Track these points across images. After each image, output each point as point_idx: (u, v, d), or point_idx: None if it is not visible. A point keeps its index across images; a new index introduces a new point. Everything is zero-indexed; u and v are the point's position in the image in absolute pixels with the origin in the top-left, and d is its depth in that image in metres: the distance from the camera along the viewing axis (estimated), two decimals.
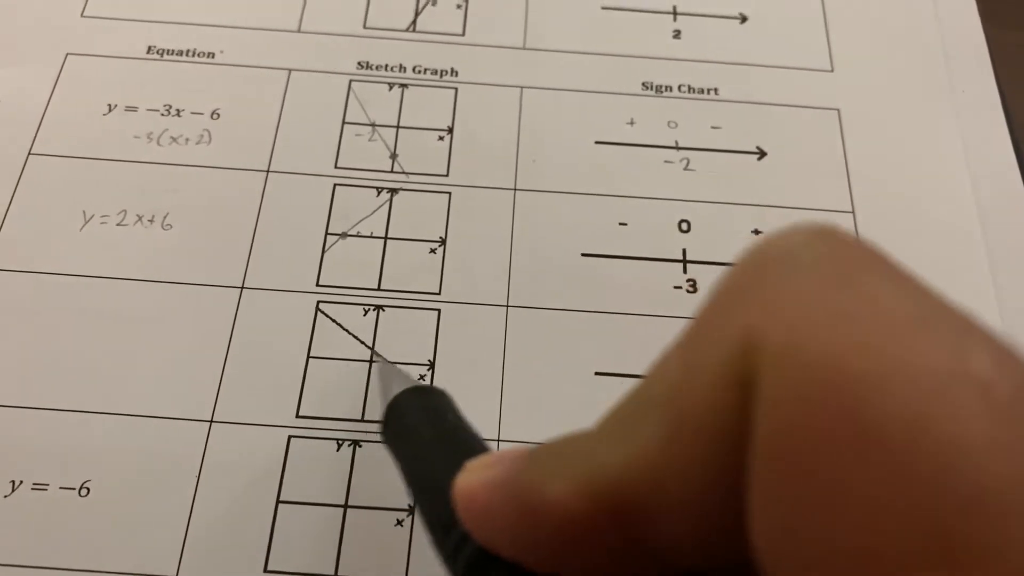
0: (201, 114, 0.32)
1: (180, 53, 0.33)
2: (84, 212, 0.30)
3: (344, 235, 0.30)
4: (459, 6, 0.35)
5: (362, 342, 0.28)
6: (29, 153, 0.31)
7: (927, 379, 0.10)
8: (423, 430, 0.20)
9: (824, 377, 0.11)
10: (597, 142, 0.32)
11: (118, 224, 0.30)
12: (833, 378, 0.11)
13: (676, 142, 0.32)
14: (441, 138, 0.32)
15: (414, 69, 0.33)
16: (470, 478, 0.15)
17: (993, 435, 0.10)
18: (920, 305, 0.11)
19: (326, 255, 0.29)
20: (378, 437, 0.23)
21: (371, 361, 0.28)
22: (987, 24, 0.35)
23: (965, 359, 0.10)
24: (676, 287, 0.29)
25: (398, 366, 0.27)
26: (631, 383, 0.27)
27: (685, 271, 0.30)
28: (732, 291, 0.12)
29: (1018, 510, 0.10)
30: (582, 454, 0.14)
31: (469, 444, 0.19)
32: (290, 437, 0.26)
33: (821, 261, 0.12)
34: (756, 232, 0.30)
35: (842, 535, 0.10)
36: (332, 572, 0.25)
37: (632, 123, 0.33)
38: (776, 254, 0.12)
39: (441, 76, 0.33)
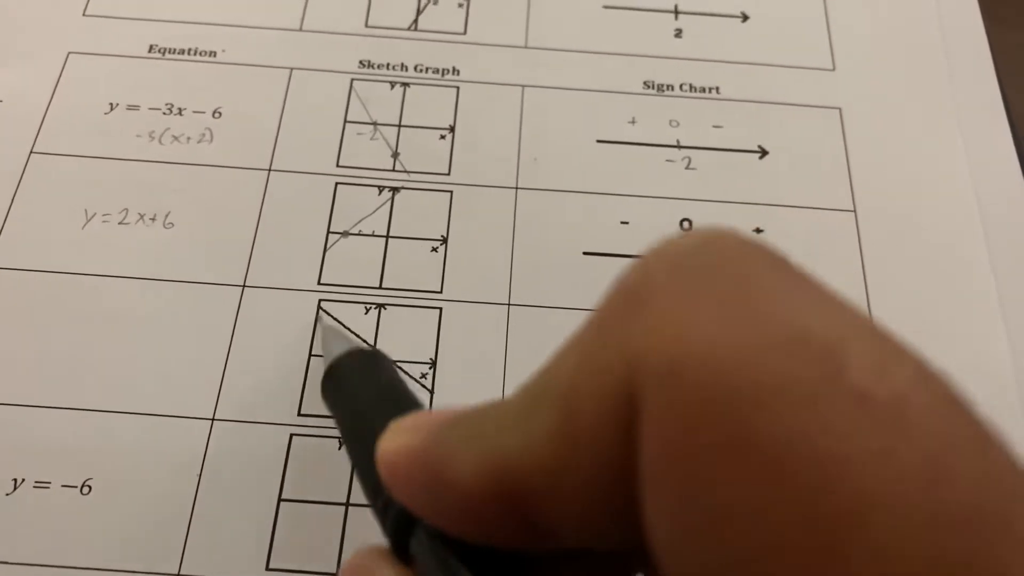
0: (203, 113, 0.32)
1: (182, 52, 0.33)
2: (86, 211, 0.30)
3: (346, 234, 0.30)
4: (460, 5, 0.35)
5: (364, 340, 0.28)
6: (31, 152, 0.31)
7: (801, 393, 0.10)
8: (360, 392, 0.21)
9: (702, 397, 0.11)
10: (599, 141, 0.32)
11: (120, 223, 0.30)
12: (711, 397, 0.11)
13: (678, 141, 0.32)
14: (443, 137, 0.32)
15: (416, 68, 0.33)
16: (392, 443, 0.15)
17: (868, 445, 0.10)
18: (802, 313, 0.11)
19: (328, 254, 0.29)
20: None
21: (316, 321, 0.28)
22: (988, 24, 0.35)
23: (840, 369, 0.10)
24: None
25: (341, 327, 0.27)
26: None
27: None
28: (620, 303, 0.13)
29: (894, 518, 0.10)
30: (486, 434, 0.14)
31: (402, 406, 0.20)
32: (292, 435, 0.26)
33: (704, 272, 0.12)
34: (758, 231, 0.30)
35: (729, 547, 0.10)
36: (334, 570, 0.25)
37: (633, 122, 0.33)
38: (661, 265, 0.12)
39: (443, 75, 0.33)
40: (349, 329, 0.28)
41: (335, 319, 0.28)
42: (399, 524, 0.16)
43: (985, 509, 0.10)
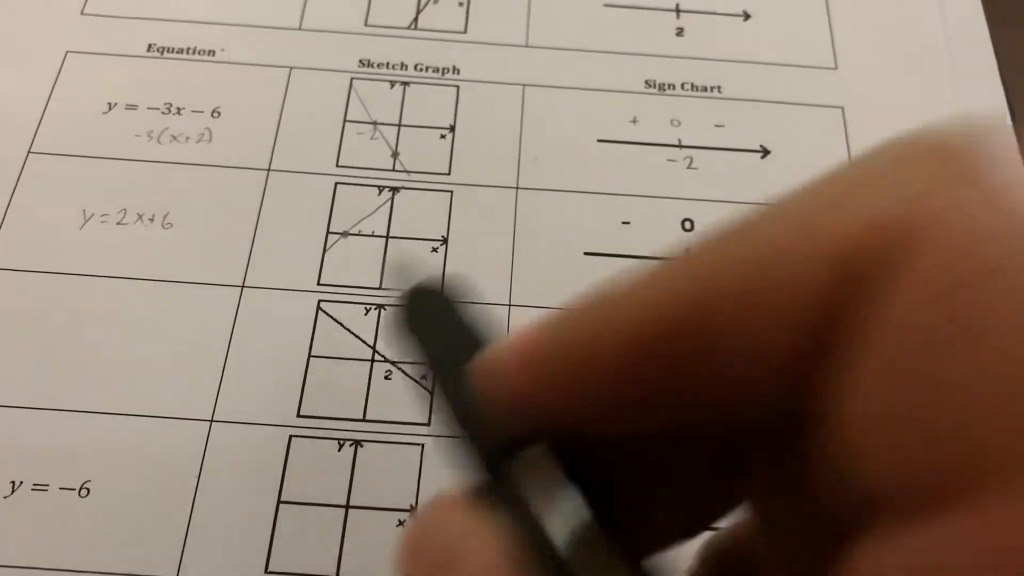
0: (202, 112, 0.32)
1: (180, 51, 0.33)
2: (84, 211, 0.30)
3: (345, 234, 0.30)
4: (461, 3, 0.35)
5: (364, 341, 0.28)
6: (29, 152, 0.31)
7: None
8: (446, 319, 0.19)
9: (980, 269, 0.10)
10: (600, 140, 0.32)
11: (118, 223, 0.30)
12: (988, 270, 0.10)
13: (679, 140, 0.32)
14: (443, 136, 0.32)
15: (416, 67, 0.33)
16: (503, 347, 0.14)
17: None
18: None
19: (327, 254, 0.29)
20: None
21: (378, 360, 0.27)
22: (992, 22, 0.35)
23: None
24: None
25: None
26: None
27: None
28: (865, 177, 0.12)
29: None
30: (631, 293, 0.13)
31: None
32: (291, 437, 0.26)
33: (934, 162, 0.12)
34: None
35: (949, 430, 0.10)
36: (334, 573, 0.25)
37: (635, 121, 0.32)
38: (918, 147, 0.12)
39: (443, 74, 0.33)
40: (349, 330, 0.28)
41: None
42: (500, 448, 0.15)
43: None
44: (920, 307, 0.10)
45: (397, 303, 0.20)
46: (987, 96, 0.34)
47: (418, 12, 0.35)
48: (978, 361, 0.10)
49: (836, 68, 0.34)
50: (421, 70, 0.33)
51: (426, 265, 0.28)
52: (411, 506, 0.25)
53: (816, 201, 0.12)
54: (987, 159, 0.12)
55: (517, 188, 0.31)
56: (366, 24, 0.34)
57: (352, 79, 0.33)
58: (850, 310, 0.11)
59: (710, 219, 0.30)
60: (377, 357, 0.28)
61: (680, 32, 0.35)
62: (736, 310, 0.12)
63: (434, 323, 0.19)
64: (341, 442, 0.26)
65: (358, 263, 0.29)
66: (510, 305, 0.29)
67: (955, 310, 0.10)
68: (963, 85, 0.34)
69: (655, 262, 0.13)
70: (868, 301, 0.11)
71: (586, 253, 0.30)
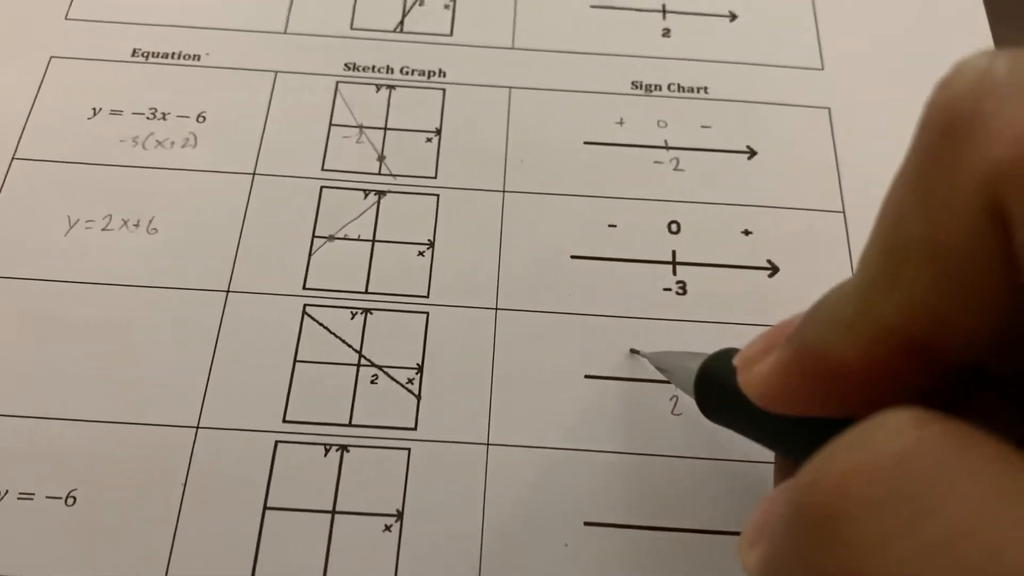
0: (187, 117, 0.32)
1: (165, 56, 0.33)
2: (69, 217, 0.30)
3: (331, 238, 0.30)
4: (447, 6, 0.35)
5: (349, 346, 0.28)
6: (13, 158, 0.31)
7: None
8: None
9: None
10: (586, 142, 0.32)
11: (103, 229, 0.30)
12: None
13: (666, 142, 0.32)
14: (429, 140, 0.32)
15: (401, 70, 0.33)
16: (752, 375, 0.17)
17: None
18: None
19: (313, 258, 0.29)
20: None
21: (364, 364, 0.27)
22: (995, 24, 0.35)
23: None
24: (666, 289, 0.29)
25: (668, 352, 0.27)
26: (621, 386, 0.27)
27: (675, 273, 0.29)
28: (957, 123, 0.13)
29: None
30: (854, 314, 0.14)
31: None
32: (277, 442, 0.26)
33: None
34: (746, 232, 0.30)
35: None
36: None
37: (621, 123, 0.32)
38: (974, 82, 0.13)
39: (429, 77, 0.33)
40: (335, 335, 0.28)
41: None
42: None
43: None
44: None
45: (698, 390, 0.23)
46: None
47: (404, 15, 0.35)
48: None
49: (823, 69, 0.34)
50: (407, 73, 0.33)
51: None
52: (397, 511, 0.25)
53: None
54: None
55: (504, 191, 0.31)
56: (352, 27, 0.34)
57: (338, 83, 0.33)
58: None
59: (697, 221, 0.30)
60: (363, 361, 0.28)
61: (666, 33, 0.35)
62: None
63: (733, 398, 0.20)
64: (327, 447, 0.26)
65: (344, 267, 0.29)
66: (496, 309, 0.29)
67: None
68: None
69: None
70: None
71: (572, 256, 0.30)
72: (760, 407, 0.17)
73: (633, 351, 0.28)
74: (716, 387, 0.22)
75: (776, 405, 0.17)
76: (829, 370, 0.15)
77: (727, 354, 0.22)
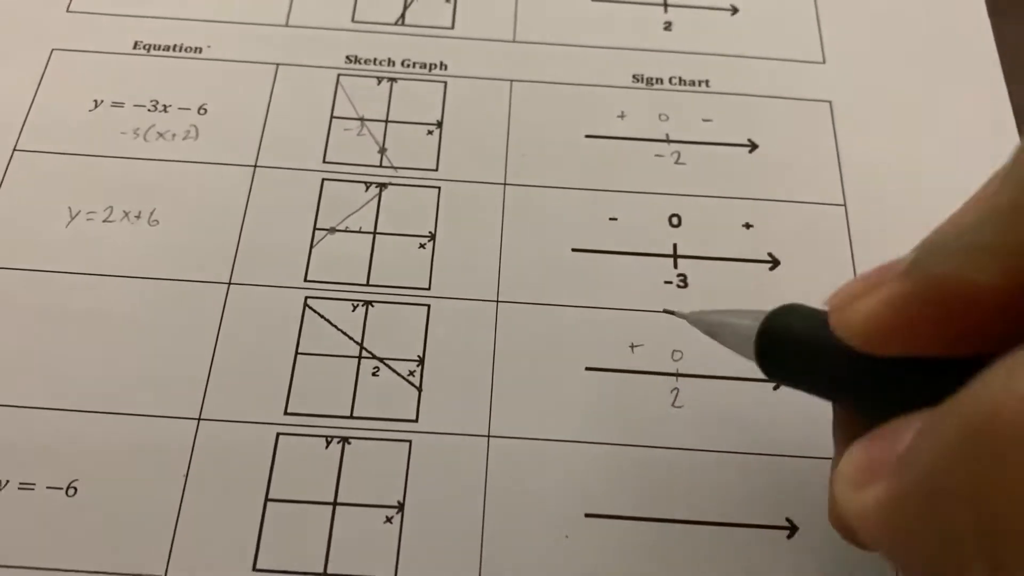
0: (188, 109, 0.32)
1: (167, 48, 0.33)
2: (70, 208, 0.30)
3: (332, 230, 0.30)
4: None
5: (351, 338, 0.28)
6: (14, 149, 0.31)
7: None
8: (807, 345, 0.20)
9: None
10: (587, 136, 0.32)
11: (104, 220, 0.30)
12: None
13: (667, 135, 0.32)
14: (430, 132, 0.32)
15: (403, 63, 0.33)
16: (854, 313, 0.16)
17: None
18: None
19: (314, 250, 0.29)
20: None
21: (365, 356, 0.27)
22: (995, 18, 0.35)
23: None
24: (667, 282, 0.29)
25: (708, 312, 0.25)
26: (622, 379, 0.27)
27: (676, 266, 0.29)
28: None
29: None
30: (994, 236, 0.14)
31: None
32: (278, 434, 0.26)
33: None
34: (748, 225, 0.30)
35: None
36: (321, 570, 0.25)
37: (623, 116, 0.32)
38: None
39: (430, 70, 0.33)
40: (336, 327, 0.28)
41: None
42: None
43: None
44: None
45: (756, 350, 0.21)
46: (986, 92, 0.33)
47: (405, 8, 0.35)
48: None
49: (824, 62, 0.34)
50: (408, 66, 0.33)
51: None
52: (398, 503, 0.25)
53: None
54: None
55: (505, 184, 0.31)
56: (353, 20, 0.34)
57: (339, 75, 0.33)
58: None
59: (698, 214, 0.30)
60: (364, 354, 0.28)
61: (668, 26, 0.35)
62: None
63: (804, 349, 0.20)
64: (328, 439, 0.26)
65: (345, 260, 0.29)
66: (498, 301, 0.29)
67: None
68: (958, 81, 0.34)
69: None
70: None
71: (574, 249, 0.30)
72: (859, 348, 0.16)
73: (668, 311, 0.27)
74: (785, 340, 0.21)
75: (886, 344, 0.16)
76: (965, 299, 0.14)
77: (793, 309, 0.21)
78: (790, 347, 0.21)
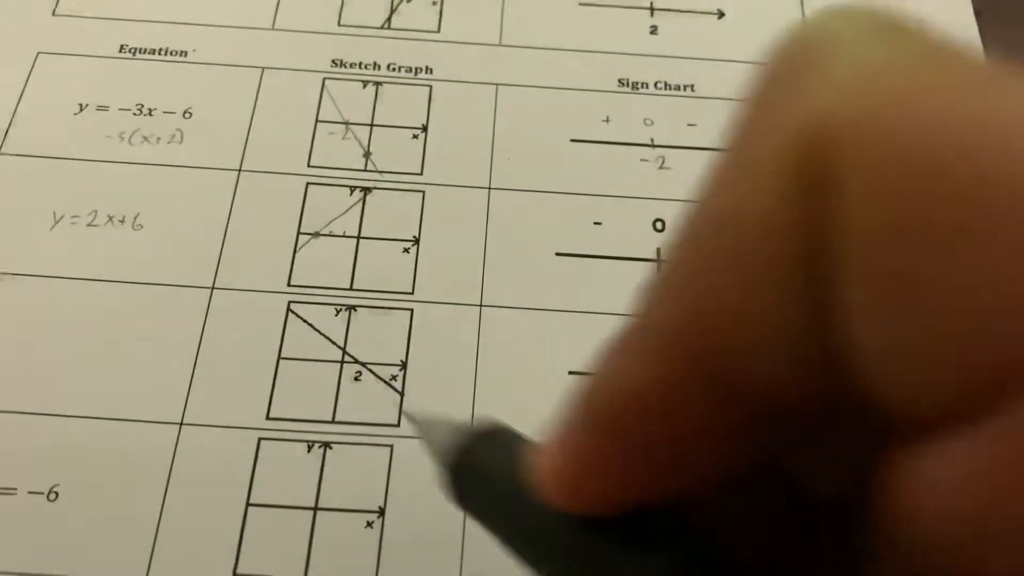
0: (173, 113, 0.32)
1: (152, 52, 0.33)
2: (54, 212, 0.30)
3: (316, 235, 0.30)
4: (434, 3, 0.35)
5: (334, 343, 0.28)
6: None
7: None
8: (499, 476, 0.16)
9: (927, 146, 0.09)
10: (572, 140, 0.32)
11: (88, 224, 0.30)
12: (939, 144, 0.09)
13: (652, 140, 0.32)
14: (415, 136, 0.32)
15: (388, 67, 0.33)
16: (540, 464, 0.13)
17: None
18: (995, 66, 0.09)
19: (298, 255, 0.29)
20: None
21: (347, 360, 0.27)
22: (987, 21, 0.35)
23: None
24: None
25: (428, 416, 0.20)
26: None
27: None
28: (774, 84, 0.10)
29: None
30: (635, 343, 0.12)
31: None
32: (260, 439, 0.26)
33: (872, 32, 0.10)
34: None
35: (964, 335, 0.08)
36: (302, 575, 0.25)
37: (608, 120, 0.32)
38: (817, 36, 0.10)
39: (416, 74, 0.33)
40: (319, 332, 0.28)
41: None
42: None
43: None
44: (875, 231, 0.09)
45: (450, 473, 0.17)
46: None
47: (391, 12, 0.35)
48: (959, 269, 0.09)
49: None
50: (394, 70, 0.33)
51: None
52: (379, 508, 0.25)
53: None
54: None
55: (489, 188, 0.31)
56: (339, 24, 0.34)
57: (324, 79, 0.33)
58: (820, 267, 0.10)
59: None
60: (347, 358, 0.28)
61: (654, 30, 0.35)
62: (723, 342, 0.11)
63: (496, 477, 0.16)
64: (310, 444, 0.26)
65: (329, 264, 0.29)
66: (481, 305, 0.29)
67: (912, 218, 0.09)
68: None
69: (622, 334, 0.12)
70: (829, 252, 0.09)
71: (558, 254, 0.30)
72: (560, 509, 0.13)
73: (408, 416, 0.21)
74: (480, 478, 0.16)
75: (574, 499, 0.12)
76: (618, 412, 0.12)
77: (500, 435, 0.16)
78: (484, 486, 0.16)
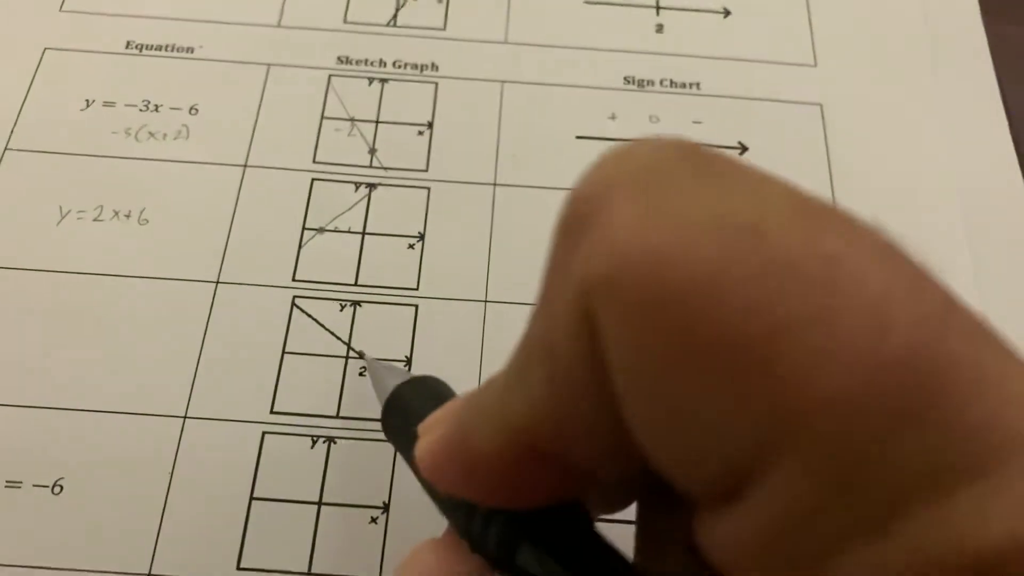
0: (179, 109, 0.32)
1: (159, 48, 0.33)
2: (60, 207, 0.30)
3: (321, 230, 0.30)
4: (440, 0, 0.35)
5: (338, 338, 0.28)
6: (6, 148, 0.31)
7: (731, 273, 0.11)
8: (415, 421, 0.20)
9: (642, 300, 0.11)
10: (578, 137, 0.32)
11: (95, 219, 0.30)
12: (649, 299, 0.11)
13: (657, 137, 0.32)
14: (421, 133, 0.32)
15: (394, 64, 0.33)
16: (424, 443, 0.16)
17: (804, 311, 0.10)
18: (722, 201, 0.11)
19: (303, 250, 0.29)
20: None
21: (352, 356, 0.27)
22: (988, 18, 0.35)
23: (763, 245, 0.11)
24: None
25: (385, 362, 0.27)
26: None
27: None
28: (559, 239, 0.13)
29: (842, 376, 0.10)
30: (495, 406, 0.14)
31: None
32: (264, 433, 0.26)
33: (625, 186, 0.12)
34: None
35: (697, 437, 0.11)
36: (305, 570, 0.25)
37: (613, 118, 0.32)
38: (591, 188, 0.13)
39: (421, 71, 0.33)
40: (324, 327, 0.28)
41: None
42: (504, 539, 0.16)
43: (929, 347, 0.10)
44: (623, 347, 0.12)
45: (381, 409, 0.22)
46: (979, 94, 0.33)
47: (397, 8, 0.35)
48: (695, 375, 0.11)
49: (815, 65, 0.34)
50: (400, 67, 0.33)
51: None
52: (384, 503, 0.25)
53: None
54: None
55: (495, 185, 0.31)
56: (345, 21, 0.34)
57: (330, 76, 0.33)
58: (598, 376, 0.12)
59: None
60: (351, 354, 0.28)
61: (659, 29, 0.35)
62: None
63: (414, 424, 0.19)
64: (314, 439, 0.26)
65: (334, 260, 0.29)
66: (486, 302, 0.29)
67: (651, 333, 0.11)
68: (951, 83, 0.34)
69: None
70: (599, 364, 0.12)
71: None
72: (425, 477, 0.16)
73: (360, 355, 0.28)
74: (399, 415, 0.21)
75: (433, 475, 0.16)
76: (470, 458, 0.15)
77: (430, 385, 0.22)
78: (401, 427, 0.21)
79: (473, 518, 0.16)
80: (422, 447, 0.16)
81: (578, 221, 0.12)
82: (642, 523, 0.17)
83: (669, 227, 0.11)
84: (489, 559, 0.16)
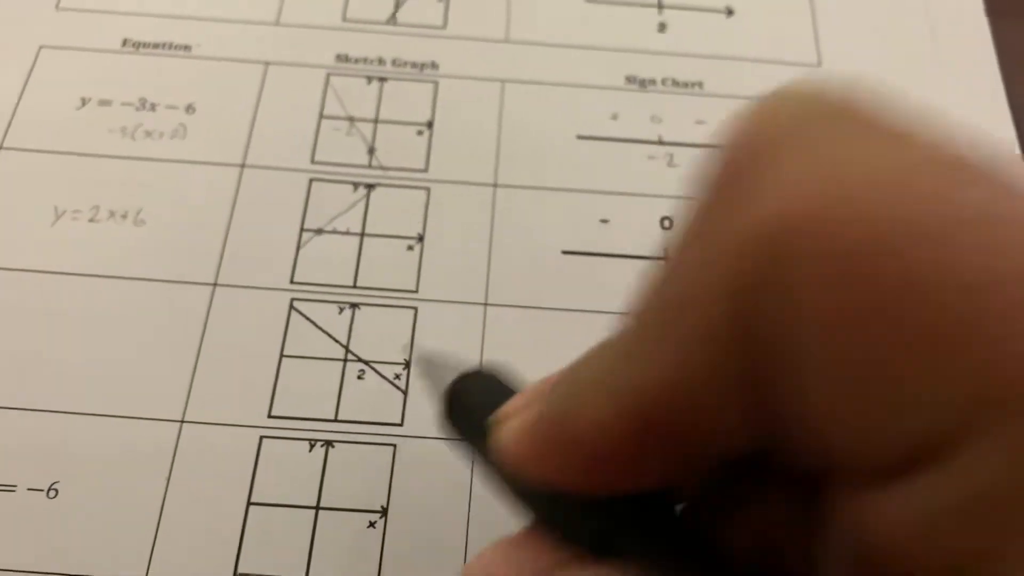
0: (176, 108, 0.31)
1: (155, 46, 0.33)
2: (56, 207, 0.29)
3: (320, 231, 0.29)
4: None
5: (337, 340, 0.27)
6: (1, 147, 0.30)
7: (975, 218, 0.10)
8: (484, 413, 0.18)
9: (868, 242, 0.10)
10: (579, 137, 0.32)
11: (90, 220, 0.29)
12: (877, 241, 0.10)
13: (660, 137, 0.32)
14: (420, 132, 0.31)
15: (393, 62, 0.33)
16: (506, 431, 0.15)
17: None
18: (938, 142, 0.11)
19: (301, 252, 0.29)
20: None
21: (351, 359, 0.27)
22: (996, 16, 0.35)
23: (1000, 191, 0.10)
24: None
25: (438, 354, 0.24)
26: None
27: None
28: (729, 183, 0.12)
29: None
30: (607, 377, 0.13)
31: None
32: (262, 437, 0.26)
33: (798, 134, 0.11)
34: None
35: (899, 403, 0.10)
36: (303, 574, 0.24)
37: (615, 117, 0.32)
38: (766, 130, 0.12)
39: (421, 69, 0.33)
40: (322, 330, 0.28)
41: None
42: (603, 525, 0.15)
43: None
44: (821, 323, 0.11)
45: (441, 400, 0.20)
46: (984, 93, 0.33)
47: (397, 7, 0.34)
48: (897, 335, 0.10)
49: (819, 65, 0.34)
50: (399, 65, 0.33)
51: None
52: (381, 507, 0.25)
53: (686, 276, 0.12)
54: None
55: (495, 185, 0.30)
56: (344, 19, 0.34)
57: (329, 74, 0.32)
58: (768, 338, 0.11)
59: None
60: (350, 357, 0.27)
61: (662, 28, 0.34)
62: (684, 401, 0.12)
63: (481, 413, 0.18)
64: (312, 443, 0.26)
65: (332, 261, 0.29)
66: (486, 304, 0.28)
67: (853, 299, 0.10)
68: (956, 82, 0.33)
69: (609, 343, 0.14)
70: (779, 319, 0.11)
71: (564, 252, 0.29)
72: (510, 468, 0.15)
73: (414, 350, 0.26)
74: (467, 417, 0.19)
75: (527, 469, 0.15)
76: (572, 437, 0.14)
77: (491, 377, 0.20)
78: (468, 420, 0.19)
79: (562, 507, 0.15)
80: (507, 432, 0.15)
81: (739, 174, 0.11)
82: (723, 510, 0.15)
83: (860, 177, 0.10)
84: (584, 546, 0.15)
